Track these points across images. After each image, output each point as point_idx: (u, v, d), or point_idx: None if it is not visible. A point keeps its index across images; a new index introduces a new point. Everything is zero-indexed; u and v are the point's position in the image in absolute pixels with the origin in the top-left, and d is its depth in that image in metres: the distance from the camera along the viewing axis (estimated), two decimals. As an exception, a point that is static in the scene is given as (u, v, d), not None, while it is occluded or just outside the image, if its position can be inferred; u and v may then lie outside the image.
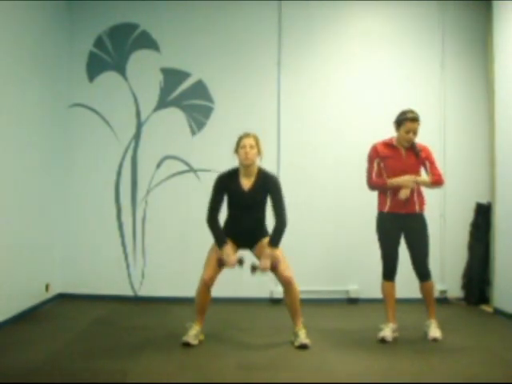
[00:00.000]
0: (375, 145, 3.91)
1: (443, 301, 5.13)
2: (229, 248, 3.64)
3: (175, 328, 3.92)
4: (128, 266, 5.21)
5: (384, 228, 3.85)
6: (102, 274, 5.16)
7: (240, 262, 3.64)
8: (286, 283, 3.64)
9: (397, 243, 3.85)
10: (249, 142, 3.66)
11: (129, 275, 5.21)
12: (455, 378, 3.04)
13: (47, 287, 4.84)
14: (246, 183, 3.71)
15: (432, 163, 3.87)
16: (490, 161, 5.18)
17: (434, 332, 3.77)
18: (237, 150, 3.70)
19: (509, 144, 4.62)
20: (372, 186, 3.88)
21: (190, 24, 5.30)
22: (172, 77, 5.29)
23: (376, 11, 5.38)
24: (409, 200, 3.77)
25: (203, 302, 3.65)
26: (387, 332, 3.76)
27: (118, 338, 3.79)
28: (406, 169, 3.79)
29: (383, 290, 3.87)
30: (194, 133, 5.28)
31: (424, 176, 3.88)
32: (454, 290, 5.23)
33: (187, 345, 3.53)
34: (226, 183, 3.72)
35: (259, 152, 3.71)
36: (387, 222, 3.83)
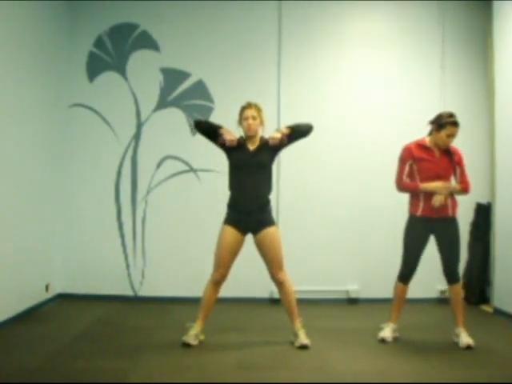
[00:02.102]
0: (409, 145, 3.79)
1: (443, 301, 5.12)
2: (226, 128, 3.67)
3: (175, 328, 3.92)
4: (128, 266, 5.21)
5: (414, 233, 3.76)
6: (101, 274, 5.16)
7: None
8: (278, 283, 3.66)
9: (422, 249, 3.77)
10: (251, 113, 3.65)
11: (129, 275, 5.21)
12: (455, 378, 3.04)
13: (47, 287, 4.83)
14: (251, 146, 3.71)
15: (462, 169, 3.79)
16: (490, 161, 5.18)
17: (468, 339, 3.61)
18: (240, 122, 3.72)
19: (509, 144, 4.62)
20: (402, 188, 3.79)
21: (190, 24, 5.30)
22: (172, 77, 5.29)
23: (376, 11, 5.39)
24: (442, 204, 3.66)
25: (210, 300, 3.63)
26: (387, 332, 3.76)
27: (118, 338, 3.79)
28: (440, 172, 3.70)
29: (396, 291, 3.82)
30: (194, 133, 5.28)
31: (453, 182, 3.78)
32: (454, 289, 5.22)
33: (187, 345, 3.53)
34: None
35: (262, 122, 3.71)
36: (418, 226, 3.73)
